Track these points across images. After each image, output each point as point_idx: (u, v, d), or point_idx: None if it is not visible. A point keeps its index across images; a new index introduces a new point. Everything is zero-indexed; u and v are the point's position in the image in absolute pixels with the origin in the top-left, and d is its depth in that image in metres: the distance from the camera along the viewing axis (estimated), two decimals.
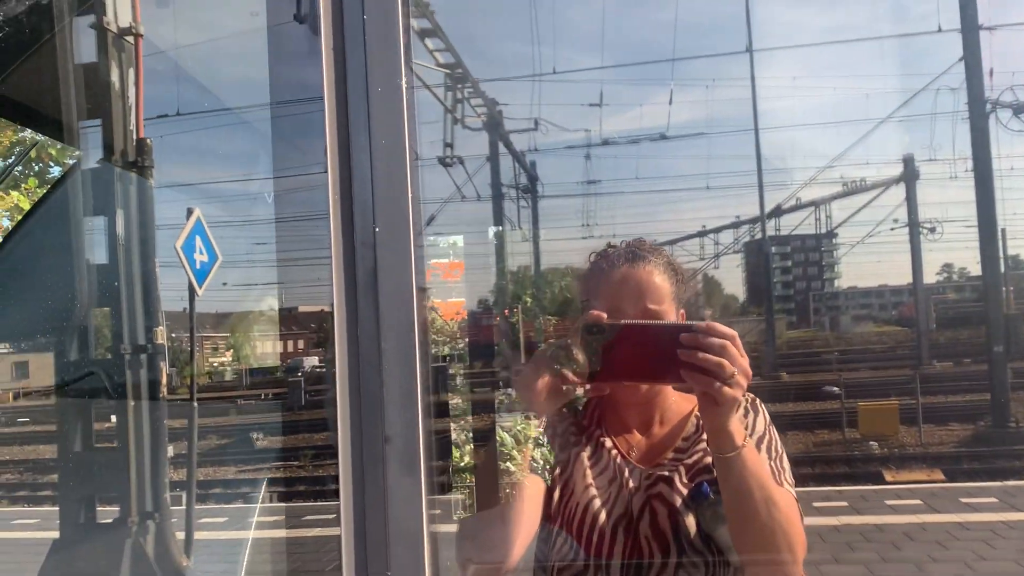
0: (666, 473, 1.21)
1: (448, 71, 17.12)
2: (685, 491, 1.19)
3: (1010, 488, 8.08)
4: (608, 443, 1.27)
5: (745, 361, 1.03)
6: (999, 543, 5.77)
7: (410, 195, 0.71)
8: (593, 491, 1.21)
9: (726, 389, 1.01)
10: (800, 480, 1.23)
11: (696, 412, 1.27)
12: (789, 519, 1.08)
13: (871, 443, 12.28)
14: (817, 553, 5.46)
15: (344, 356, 0.70)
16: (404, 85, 0.70)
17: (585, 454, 1.25)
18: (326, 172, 0.68)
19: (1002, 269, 15.47)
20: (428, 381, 0.69)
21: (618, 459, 1.25)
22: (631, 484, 1.22)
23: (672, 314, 1.23)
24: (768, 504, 1.06)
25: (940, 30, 17.17)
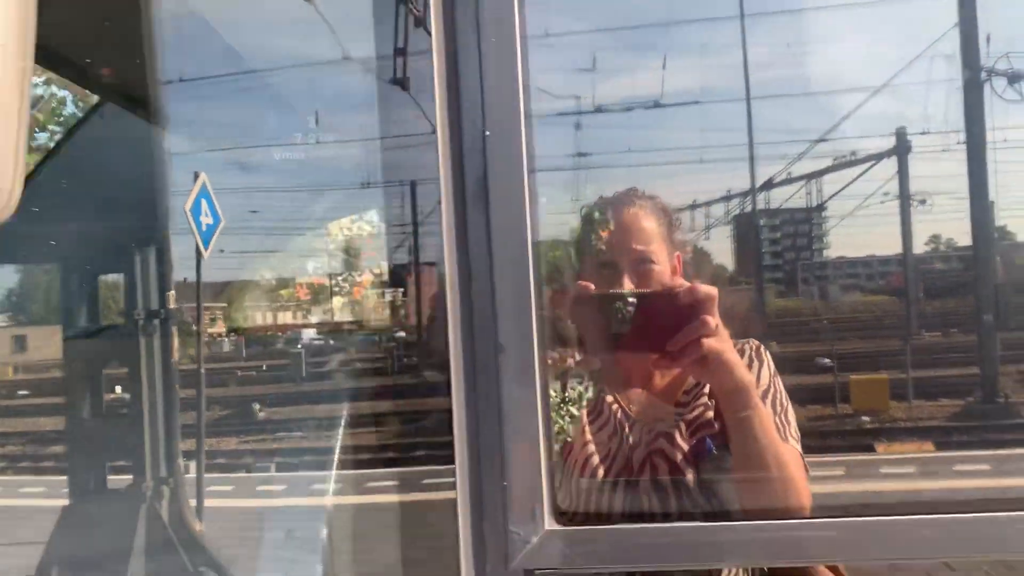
0: (667, 428, 1.20)
1: None
2: (686, 446, 1.18)
3: (1001, 457, 8.20)
4: (608, 398, 1.25)
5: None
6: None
7: (522, 89, 0.67)
8: (592, 447, 1.20)
9: (705, 341, 0.99)
10: None
11: None
12: (795, 477, 1.07)
13: (863, 418, 12.34)
14: None
15: (454, 266, 0.68)
16: None
17: (584, 409, 1.23)
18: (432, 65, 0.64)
19: (994, 238, 15.49)
20: (541, 290, 0.67)
21: (619, 414, 1.23)
22: (631, 439, 1.20)
23: (663, 255, 1.22)
24: (777, 462, 1.05)
25: None
